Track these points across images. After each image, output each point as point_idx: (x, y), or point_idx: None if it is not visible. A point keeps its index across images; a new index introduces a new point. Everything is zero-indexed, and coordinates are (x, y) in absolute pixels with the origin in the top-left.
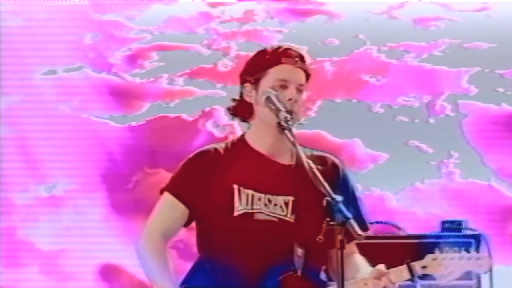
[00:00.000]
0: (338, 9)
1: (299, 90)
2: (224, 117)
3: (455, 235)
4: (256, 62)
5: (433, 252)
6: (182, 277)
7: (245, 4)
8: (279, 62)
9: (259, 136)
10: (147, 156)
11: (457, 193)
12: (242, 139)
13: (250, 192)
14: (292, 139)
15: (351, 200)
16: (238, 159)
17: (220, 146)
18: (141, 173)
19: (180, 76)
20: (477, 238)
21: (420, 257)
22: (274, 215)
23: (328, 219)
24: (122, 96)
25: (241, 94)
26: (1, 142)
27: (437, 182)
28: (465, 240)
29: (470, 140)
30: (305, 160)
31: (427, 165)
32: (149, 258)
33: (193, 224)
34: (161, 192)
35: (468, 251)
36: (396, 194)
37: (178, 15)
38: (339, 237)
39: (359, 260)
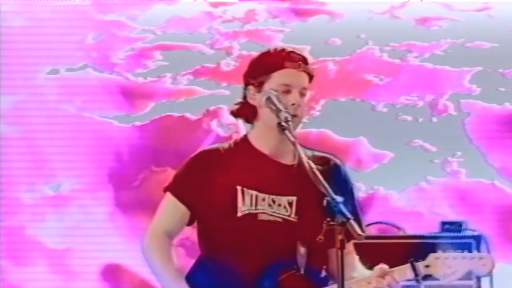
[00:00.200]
0: (340, 9)
1: (302, 94)
2: (228, 116)
3: (455, 236)
4: (259, 65)
5: (435, 252)
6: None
7: (247, 4)
8: (282, 67)
9: (263, 137)
10: (152, 155)
11: (460, 192)
12: (245, 139)
13: (254, 192)
14: (292, 139)
15: (350, 202)
16: (241, 160)
17: (223, 146)
18: (147, 171)
19: (184, 75)
20: (477, 239)
21: (420, 257)
22: (279, 215)
23: (328, 219)
24: (126, 96)
25: (245, 96)
26: (7, 141)
27: (441, 181)
28: (465, 241)
29: (473, 139)
30: (305, 160)
31: (431, 164)
32: (154, 256)
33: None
34: (165, 191)
35: (470, 251)
36: (401, 193)
37: (180, 15)
38: (339, 237)
39: (356, 260)
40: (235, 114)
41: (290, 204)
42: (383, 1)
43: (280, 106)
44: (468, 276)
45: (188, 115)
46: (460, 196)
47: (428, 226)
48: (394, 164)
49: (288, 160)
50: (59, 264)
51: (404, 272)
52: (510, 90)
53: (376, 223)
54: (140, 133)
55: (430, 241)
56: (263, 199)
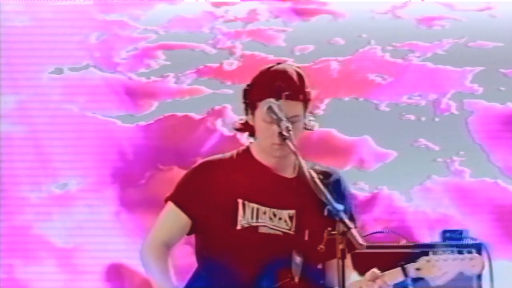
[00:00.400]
0: (341, 8)
1: (292, 121)
2: (232, 116)
3: (456, 244)
4: (251, 90)
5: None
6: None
7: (248, 4)
8: (265, 97)
9: (264, 150)
10: (157, 154)
11: (463, 191)
12: (247, 151)
13: (256, 206)
14: (293, 148)
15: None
16: (243, 171)
17: (225, 156)
18: (154, 169)
19: (187, 75)
20: (478, 247)
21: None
22: (279, 229)
23: (329, 228)
24: (129, 95)
25: (246, 111)
26: (11, 141)
27: (444, 180)
28: (466, 249)
29: (476, 138)
30: (306, 169)
31: (435, 163)
32: (151, 266)
33: None
34: (166, 201)
35: (461, 252)
36: (404, 192)
37: (181, 15)
38: (340, 246)
39: (352, 275)
40: (238, 130)
41: (291, 218)
42: (384, 1)
43: (281, 115)
44: (463, 279)
45: (192, 114)
46: (463, 195)
47: (431, 226)
48: (398, 163)
49: (288, 173)
50: (66, 263)
51: (395, 275)
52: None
53: (377, 232)
54: (144, 132)
55: (431, 249)
56: (264, 212)
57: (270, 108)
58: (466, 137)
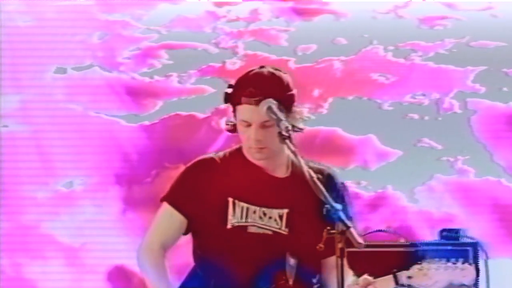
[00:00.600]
0: (343, 8)
1: (265, 126)
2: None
3: (453, 243)
4: (230, 94)
5: (419, 263)
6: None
7: (250, 4)
8: (240, 102)
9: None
10: (161, 153)
11: (467, 190)
12: (239, 150)
13: (245, 205)
14: (293, 148)
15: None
16: (234, 171)
17: (218, 155)
18: (160, 168)
19: (190, 74)
20: (475, 247)
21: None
22: (269, 228)
23: (328, 227)
24: (133, 95)
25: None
26: (15, 141)
27: (448, 179)
28: (463, 248)
29: (479, 137)
30: (305, 169)
31: (438, 162)
32: (148, 269)
33: None
34: (161, 201)
35: (454, 263)
36: (407, 191)
37: (184, 14)
38: (339, 245)
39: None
40: (228, 130)
41: (281, 217)
42: (386, 0)
43: (280, 115)
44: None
45: (196, 113)
46: (467, 194)
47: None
48: (402, 162)
49: (281, 173)
50: (73, 262)
51: (387, 282)
52: None
53: (375, 231)
54: (148, 132)
55: (428, 248)
56: (254, 212)
57: (269, 108)
58: (469, 136)
